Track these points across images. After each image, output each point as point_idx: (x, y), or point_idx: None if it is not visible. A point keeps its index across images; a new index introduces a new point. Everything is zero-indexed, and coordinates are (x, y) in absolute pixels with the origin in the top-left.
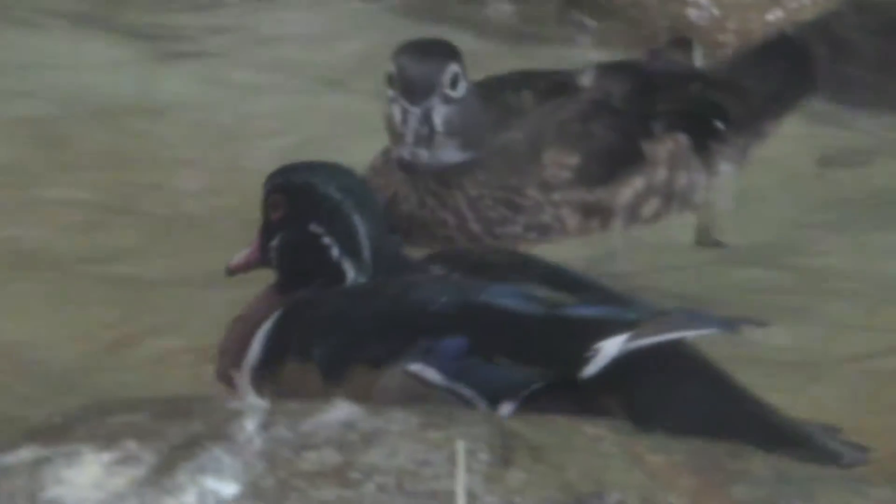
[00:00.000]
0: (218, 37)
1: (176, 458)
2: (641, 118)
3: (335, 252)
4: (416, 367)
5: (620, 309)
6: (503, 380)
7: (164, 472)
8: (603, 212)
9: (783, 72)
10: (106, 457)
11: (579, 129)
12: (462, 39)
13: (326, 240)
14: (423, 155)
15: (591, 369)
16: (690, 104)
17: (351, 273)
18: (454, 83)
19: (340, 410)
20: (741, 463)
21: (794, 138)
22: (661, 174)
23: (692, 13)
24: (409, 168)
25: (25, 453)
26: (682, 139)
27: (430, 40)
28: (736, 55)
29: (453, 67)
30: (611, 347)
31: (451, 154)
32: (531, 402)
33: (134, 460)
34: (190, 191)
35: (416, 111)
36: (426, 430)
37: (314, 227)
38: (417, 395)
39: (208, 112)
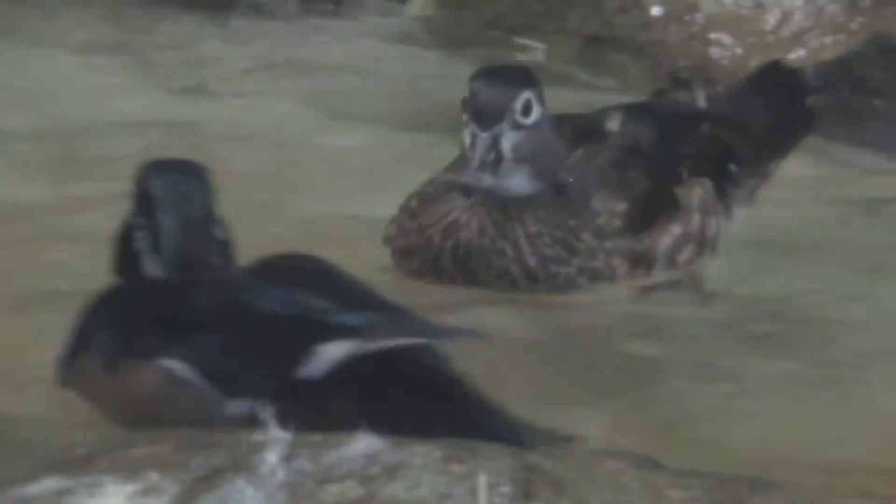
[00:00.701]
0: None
1: (198, 489)
2: (671, 164)
3: (141, 246)
4: (170, 363)
5: (365, 316)
6: (241, 378)
7: (186, 503)
8: (647, 259)
9: (781, 107)
10: (129, 488)
11: (620, 177)
12: None
13: (138, 233)
14: (487, 180)
15: (312, 371)
16: (709, 148)
17: (151, 269)
18: (526, 110)
19: (363, 443)
20: (760, 498)
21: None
22: (695, 221)
23: (715, 52)
24: (469, 192)
25: (49, 483)
26: (708, 184)
27: (506, 66)
28: (730, 90)
29: (526, 94)
30: (334, 351)
31: (519, 183)
32: (269, 401)
33: (156, 491)
34: None
35: (484, 136)
36: (448, 463)
37: (131, 220)
38: (171, 391)
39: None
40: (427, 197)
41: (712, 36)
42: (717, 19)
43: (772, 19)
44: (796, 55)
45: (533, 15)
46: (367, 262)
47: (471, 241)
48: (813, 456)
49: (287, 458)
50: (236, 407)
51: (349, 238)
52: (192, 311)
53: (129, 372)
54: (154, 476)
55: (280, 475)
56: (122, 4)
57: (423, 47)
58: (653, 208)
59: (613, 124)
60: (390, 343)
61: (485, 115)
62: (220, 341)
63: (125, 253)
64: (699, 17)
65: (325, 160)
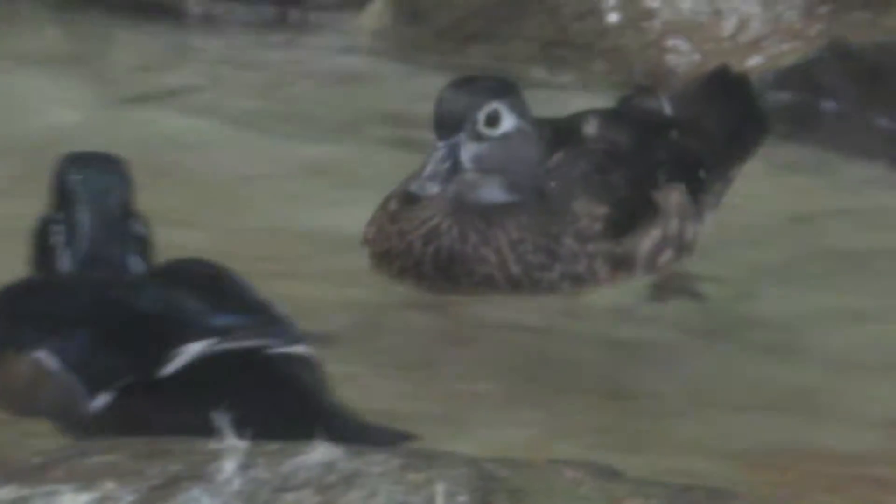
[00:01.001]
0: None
1: (155, 498)
2: (648, 169)
3: (57, 240)
4: (39, 355)
5: (230, 318)
6: (102, 372)
7: None
8: (628, 263)
9: (735, 111)
10: (85, 497)
11: (601, 181)
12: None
13: (55, 228)
14: (433, 190)
15: (169, 369)
16: (681, 153)
17: (65, 263)
18: (492, 121)
19: (320, 451)
20: None
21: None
22: (673, 224)
23: (672, 59)
24: (413, 201)
25: (4, 493)
26: (683, 188)
27: (479, 77)
28: (682, 96)
29: (493, 105)
30: (192, 350)
31: (493, 193)
32: (126, 397)
33: (113, 500)
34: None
35: (439, 146)
36: (406, 471)
37: (49, 215)
38: (40, 381)
39: (200, 158)
40: (407, 199)
41: (669, 43)
42: (674, 26)
43: (729, 26)
44: (754, 61)
45: (489, 22)
46: (319, 269)
47: (452, 248)
48: (773, 463)
49: (244, 467)
50: (100, 400)
51: (301, 247)
52: (70, 306)
53: (5, 363)
54: (110, 485)
55: (236, 484)
56: (76, 15)
57: (377, 58)
58: (633, 212)
59: (590, 128)
60: (241, 344)
61: (442, 126)
62: (89, 336)
63: (41, 247)
64: (656, 24)
65: (278, 171)
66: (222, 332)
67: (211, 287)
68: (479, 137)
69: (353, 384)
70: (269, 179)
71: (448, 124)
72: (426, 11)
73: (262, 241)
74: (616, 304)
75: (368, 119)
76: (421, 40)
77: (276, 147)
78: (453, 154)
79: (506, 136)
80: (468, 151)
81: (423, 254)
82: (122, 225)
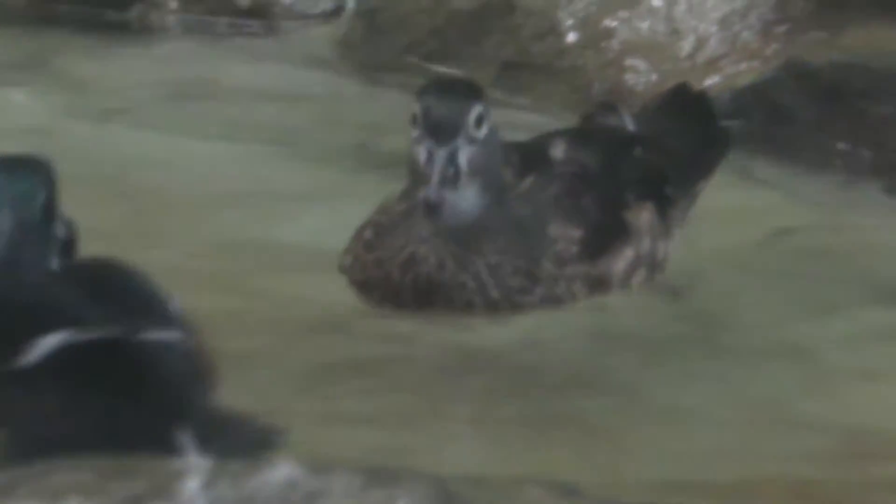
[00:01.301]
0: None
1: None
2: (617, 189)
3: None
4: None
5: (101, 312)
6: None
7: None
8: (604, 283)
9: (696, 129)
10: None
11: (574, 204)
12: (402, 101)
13: None
14: (449, 196)
15: (28, 359)
16: (647, 171)
17: None
18: (479, 123)
19: (283, 470)
20: None
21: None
22: (645, 243)
23: (630, 78)
24: (433, 210)
25: None
26: (652, 207)
27: (454, 80)
28: (644, 112)
29: (478, 107)
30: (50, 341)
31: (470, 197)
32: None
33: None
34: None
35: (442, 152)
36: (368, 489)
37: None
38: None
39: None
40: (382, 228)
41: (628, 62)
42: (632, 46)
43: (687, 46)
44: (711, 81)
45: (448, 41)
46: (278, 285)
47: (431, 276)
48: (742, 480)
49: (208, 485)
50: None
51: (265, 265)
52: None
53: None
54: (75, 503)
55: (200, 502)
56: (39, 25)
57: (340, 73)
58: (606, 233)
59: (558, 151)
60: (102, 334)
61: (441, 131)
62: None
63: None
64: (615, 44)
65: (241, 187)
66: (88, 323)
67: (101, 283)
68: (471, 140)
69: (326, 403)
70: (233, 196)
71: (446, 129)
72: (388, 29)
73: (225, 258)
74: (590, 324)
75: (331, 136)
76: (382, 56)
77: (237, 163)
78: (455, 159)
79: (487, 138)
80: (465, 155)
81: (402, 283)
82: (44, 228)
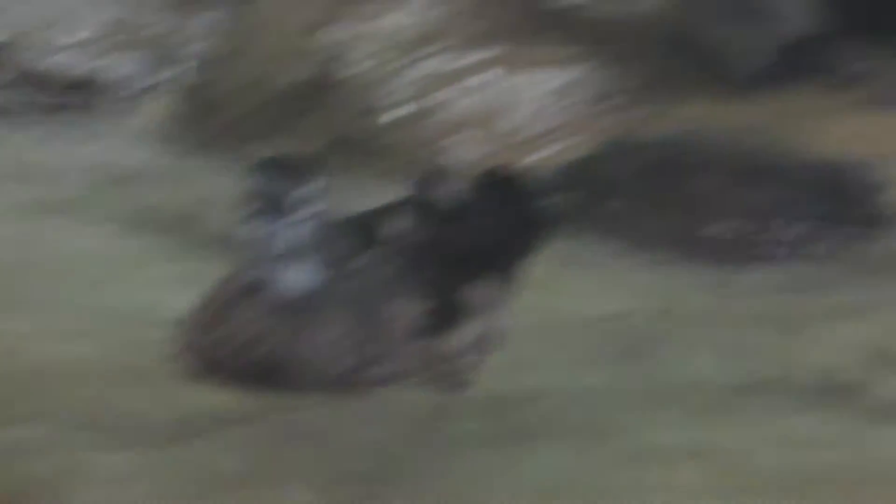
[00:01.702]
0: None
1: None
2: (455, 262)
3: None
4: None
5: None
6: None
7: None
8: (445, 359)
9: (519, 208)
10: None
11: (414, 279)
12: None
13: None
14: (281, 273)
15: None
16: (479, 245)
17: None
18: (310, 199)
19: None
20: None
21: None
22: (482, 317)
23: (458, 153)
24: (267, 288)
25: None
26: (488, 281)
27: (284, 156)
28: (467, 190)
29: (310, 183)
30: None
31: (304, 274)
32: None
33: None
34: None
35: (274, 228)
36: None
37: None
38: None
39: None
40: (215, 307)
41: (453, 138)
42: (462, 119)
43: (518, 118)
44: (542, 154)
45: (274, 117)
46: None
47: (270, 356)
48: None
49: None
50: None
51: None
52: None
53: None
54: None
55: None
56: None
57: (166, 149)
58: (443, 309)
59: (393, 225)
60: None
61: (273, 207)
62: None
63: None
64: (440, 120)
65: (61, 262)
66: None
67: None
68: (303, 216)
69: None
70: (47, 270)
71: (277, 206)
72: (213, 105)
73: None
74: (426, 401)
75: (150, 216)
76: (208, 134)
77: (52, 239)
78: (287, 235)
79: (319, 213)
80: (297, 231)
81: (241, 365)
82: None
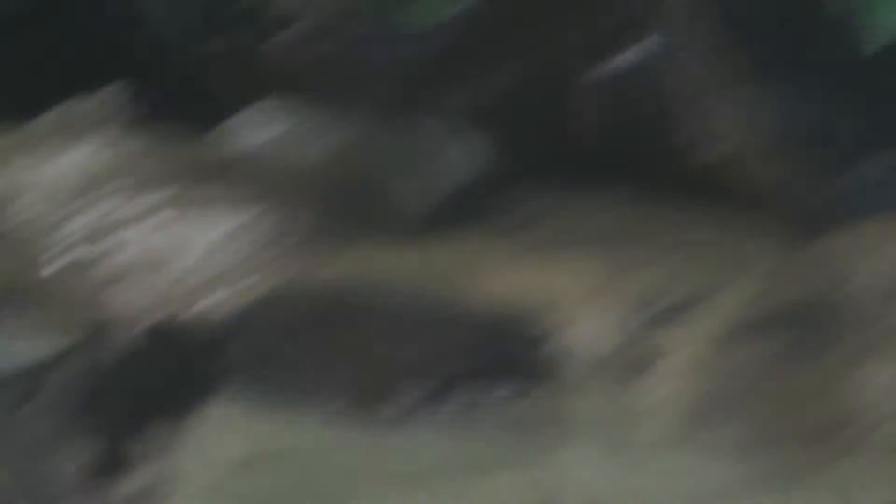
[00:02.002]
0: None
1: None
2: (120, 412)
3: None
4: None
5: None
6: None
7: None
8: None
9: (178, 365)
10: None
11: (78, 428)
12: None
13: None
14: None
15: None
16: (142, 397)
17: None
18: None
19: None
20: None
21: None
22: (151, 467)
23: (128, 299)
24: None
25: None
26: (155, 431)
27: None
28: (127, 350)
29: None
30: None
31: None
32: None
33: None
34: None
35: None
36: None
37: None
38: None
39: None
40: None
41: (124, 284)
42: (129, 266)
43: (187, 263)
44: (212, 300)
45: None
46: None
47: None
48: None
49: None
50: None
51: None
52: None
53: None
54: None
55: None
56: None
57: None
58: (113, 455)
59: (59, 376)
60: None
61: None
62: None
63: None
64: (111, 264)
65: None
66: None
67: None
68: None
69: None
70: None
71: None
72: None
73: None
74: None
75: None
76: None
77: None
78: None
79: None
80: None
81: None
82: None
